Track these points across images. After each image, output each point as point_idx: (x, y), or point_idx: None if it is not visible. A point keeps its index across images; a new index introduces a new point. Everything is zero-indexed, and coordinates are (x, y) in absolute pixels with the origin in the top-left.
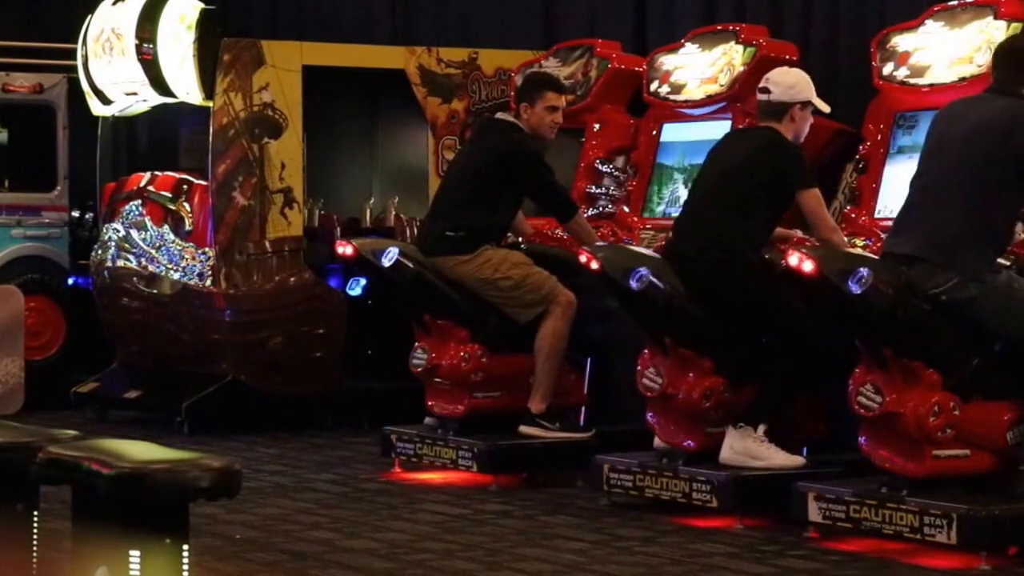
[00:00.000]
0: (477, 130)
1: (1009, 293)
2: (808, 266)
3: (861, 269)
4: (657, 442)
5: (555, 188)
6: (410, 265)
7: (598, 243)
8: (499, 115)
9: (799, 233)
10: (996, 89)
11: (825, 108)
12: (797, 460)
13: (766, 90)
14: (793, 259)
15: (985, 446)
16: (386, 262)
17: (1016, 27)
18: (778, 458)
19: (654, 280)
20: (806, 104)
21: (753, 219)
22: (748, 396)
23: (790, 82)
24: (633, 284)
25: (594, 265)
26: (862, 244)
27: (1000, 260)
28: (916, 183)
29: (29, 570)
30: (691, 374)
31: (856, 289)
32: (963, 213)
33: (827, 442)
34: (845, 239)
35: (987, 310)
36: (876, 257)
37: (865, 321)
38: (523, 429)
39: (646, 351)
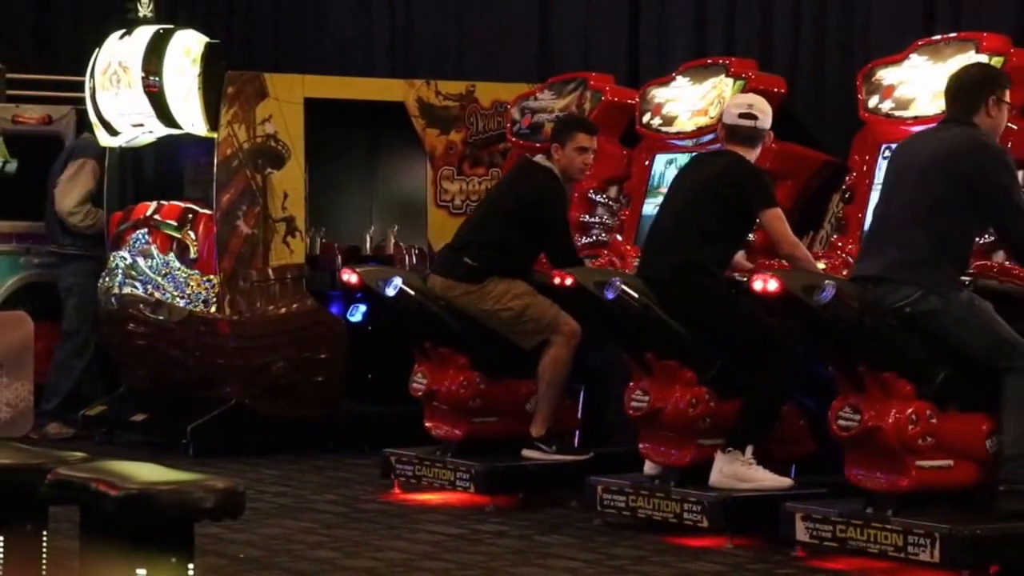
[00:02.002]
0: (515, 171)
1: (970, 308)
2: (772, 285)
3: (826, 283)
4: (648, 468)
5: (567, 240)
6: (413, 294)
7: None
8: (537, 158)
9: (749, 266)
10: (950, 119)
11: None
12: (785, 481)
13: (753, 116)
14: (757, 283)
15: (966, 456)
16: (390, 291)
17: (997, 60)
18: (767, 480)
19: (627, 289)
20: (771, 134)
21: (719, 239)
22: (732, 407)
23: (768, 111)
24: (609, 295)
25: (568, 281)
26: (824, 265)
27: (962, 278)
28: (878, 211)
29: None
30: (676, 386)
31: (822, 301)
32: (924, 235)
33: (816, 459)
34: (808, 254)
35: (949, 323)
36: (837, 276)
37: (833, 334)
38: (525, 452)
39: (632, 376)
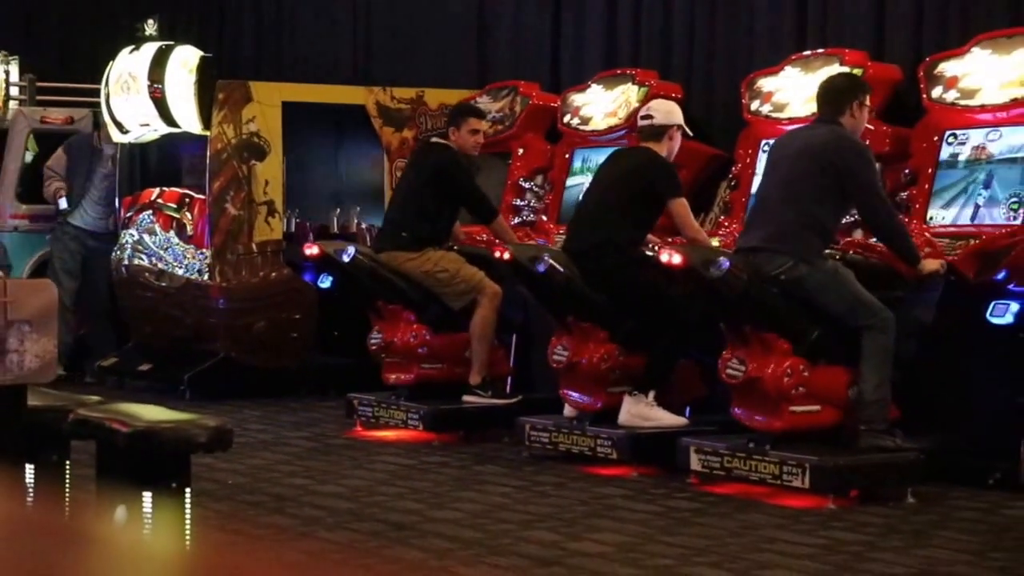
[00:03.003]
0: (417, 151)
1: (834, 275)
2: (676, 259)
3: (721, 259)
4: (567, 411)
5: (479, 194)
6: (365, 261)
7: (514, 243)
8: (433, 139)
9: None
10: (819, 119)
11: (689, 132)
12: (681, 420)
13: (649, 116)
14: (664, 256)
15: (831, 402)
16: (345, 258)
17: (857, 72)
18: (666, 419)
19: (555, 264)
20: (679, 127)
21: (631, 221)
22: (638, 361)
23: (667, 109)
24: (540, 268)
25: (506, 256)
26: (718, 242)
27: (827, 251)
28: (757, 194)
29: (62, 509)
30: (591, 344)
31: (717, 274)
32: (794, 213)
33: (708, 401)
34: (707, 239)
35: (814, 288)
36: (731, 252)
37: (725, 301)
38: (465, 398)
39: (555, 334)
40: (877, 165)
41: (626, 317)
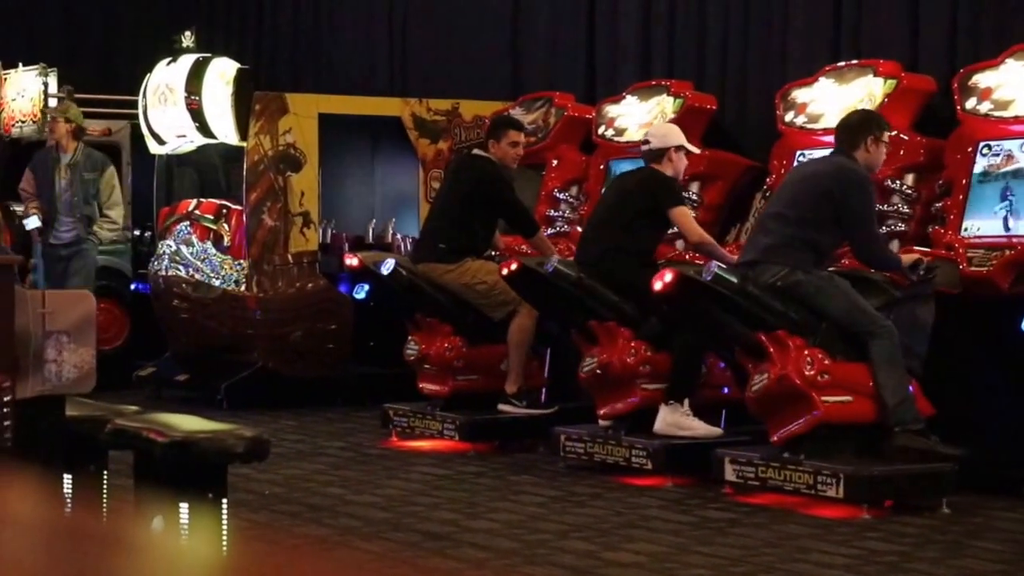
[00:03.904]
0: (457, 163)
1: (830, 281)
2: (668, 277)
3: (710, 263)
4: (601, 421)
5: (520, 208)
6: (404, 273)
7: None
8: (474, 151)
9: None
10: (836, 150)
11: (695, 150)
12: (716, 431)
13: (646, 142)
14: (657, 284)
15: (861, 392)
16: (384, 271)
17: (891, 83)
18: (701, 429)
19: (561, 267)
20: (679, 148)
21: (636, 233)
22: (667, 357)
23: (663, 133)
24: (548, 268)
25: (513, 266)
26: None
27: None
28: (761, 215)
29: (100, 519)
30: (619, 342)
31: (708, 277)
32: (792, 230)
33: (744, 406)
34: (712, 240)
35: (811, 292)
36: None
37: (722, 300)
38: (500, 407)
39: (581, 352)
40: (911, 176)
41: (645, 314)
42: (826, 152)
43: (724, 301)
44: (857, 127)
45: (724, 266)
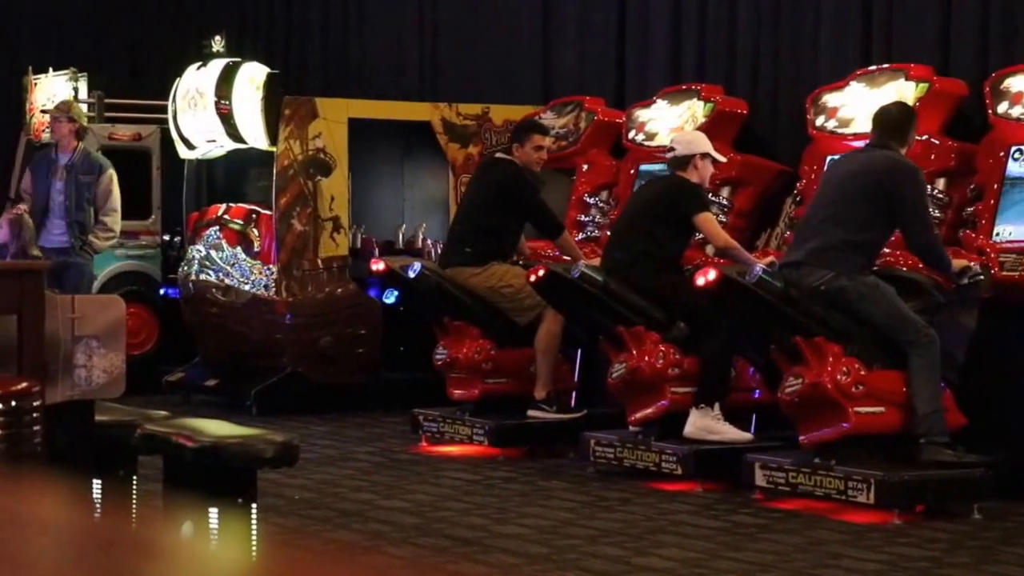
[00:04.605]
0: (481, 166)
1: (875, 288)
2: (711, 275)
3: (754, 266)
4: (631, 427)
5: (544, 209)
6: (431, 277)
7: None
8: (498, 154)
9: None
10: (873, 144)
11: (721, 158)
12: (746, 436)
13: (671, 148)
14: (700, 279)
15: (895, 403)
16: (412, 274)
17: (923, 87)
18: (731, 434)
19: (588, 272)
20: (705, 155)
21: (661, 239)
22: (695, 360)
23: (689, 139)
24: (574, 274)
25: (540, 273)
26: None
27: (871, 269)
28: (805, 214)
29: (129, 524)
30: (646, 346)
31: (751, 279)
32: (840, 231)
33: (774, 411)
34: (737, 245)
35: (855, 299)
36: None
37: (766, 305)
38: (529, 412)
39: (610, 358)
40: (943, 180)
41: (673, 317)
42: (853, 151)
43: (765, 304)
44: (905, 120)
45: (769, 269)
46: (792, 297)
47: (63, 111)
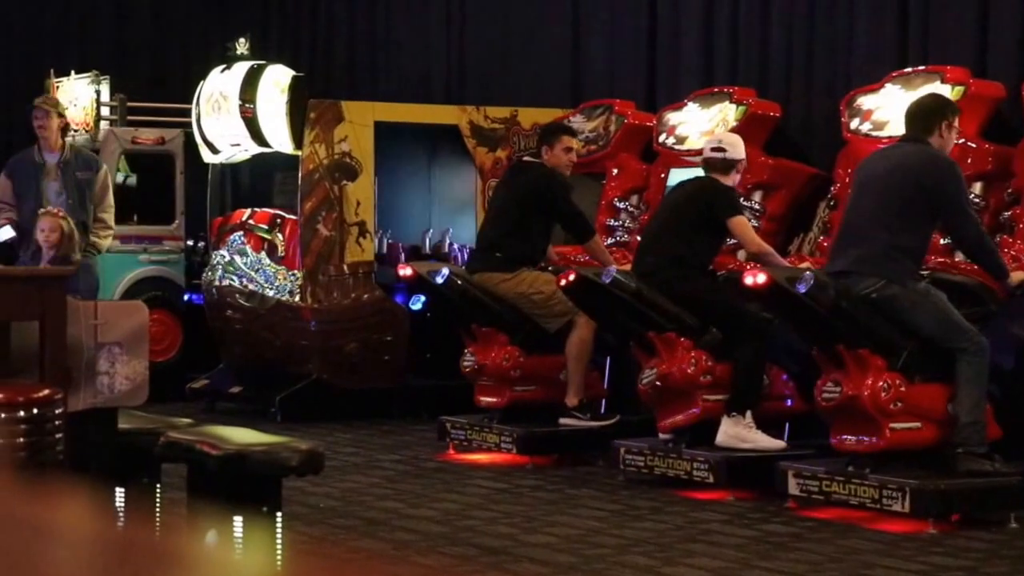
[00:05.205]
0: (510, 170)
1: (926, 295)
2: (761, 278)
3: (806, 273)
4: (662, 434)
5: (576, 211)
6: (459, 282)
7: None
8: (526, 158)
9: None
10: (907, 139)
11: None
12: (779, 444)
13: (722, 149)
14: (748, 279)
15: (932, 419)
16: (439, 280)
17: (959, 90)
18: (764, 442)
19: (620, 278)
20: (743, 160)
21: (693, 243)
22: (727, 367)
23: (737, 142)
24: (605, 279)
25: (571, 277)
26: (807, 266)
27: (920, 272)
28: (844, 218)
29: (152, 532)
30: (678, 352)
31: (803, 288)
32: (885, 235)
33: (807, 419)
34: (772, 250)
35: (906, 307)
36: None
37: (814, 316)
38: (562, 420)
39: (640, 365)
40: (980, 184)
41: (707, 324)
42: (886, 147)
43: (811, 313)
44: (931, 112)
45: (822, 278)
46: (842, 307)
47: (53, 105)
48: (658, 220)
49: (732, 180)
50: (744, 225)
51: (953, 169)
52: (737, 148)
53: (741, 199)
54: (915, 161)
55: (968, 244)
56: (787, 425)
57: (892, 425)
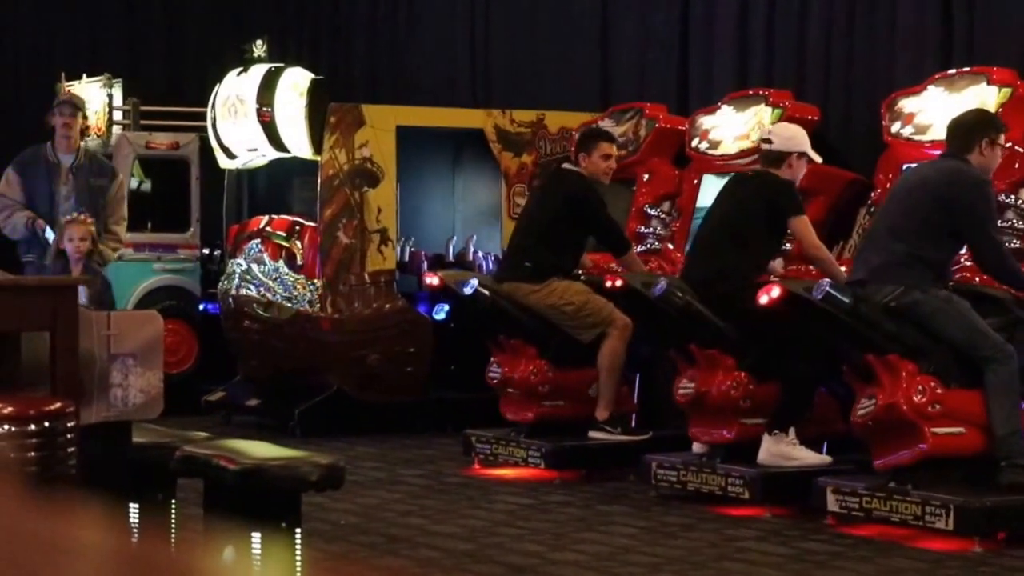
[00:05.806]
0: (547, 177)
1: (948, 302)
2: (775, 292)
3: (821, 281)
4: (696, 447)
5: (612, 225)
6: (487, 293)
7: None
8: (564, 165)
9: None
10: (946, 155)
11: (818, 159)
12: (825, 459)
13: (768, 140)
14: (763, 298)
15: (974, 424)
16: (467, 291)
17: (1006, 91)
18: (810, 458)
19: (672, 289)
20: (802, 154)
21: (752, 247)
22: (769, 390)
23: (789, 135)
24: (656, 292)
25: (618, 283)
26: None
27: (944, 283)
28: (871, 227)
29: (168, 550)
30: (719, 372)
31: (818, 296)
32: (904, 247)
33: (846, 438)
34: (829, 254)
35: (928, 313)
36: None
37: (834, 321)
38: (592, 434)
39: (679, 371)
40: (1022, 195)
41: (752, 344)
42: (927, 160)
43: (833, 321)
44: (971, 127)
45: (836, 284)
46: (861, 313)
47: (79, 107)
48: (711, 223)
49: (791, 175)
50: (807, 225)
51: (980, 188)
52: (789, 140)
53: None
54: (940, 176)
55: (987, 266)
56: (825, 443)
57: (934, 430)
